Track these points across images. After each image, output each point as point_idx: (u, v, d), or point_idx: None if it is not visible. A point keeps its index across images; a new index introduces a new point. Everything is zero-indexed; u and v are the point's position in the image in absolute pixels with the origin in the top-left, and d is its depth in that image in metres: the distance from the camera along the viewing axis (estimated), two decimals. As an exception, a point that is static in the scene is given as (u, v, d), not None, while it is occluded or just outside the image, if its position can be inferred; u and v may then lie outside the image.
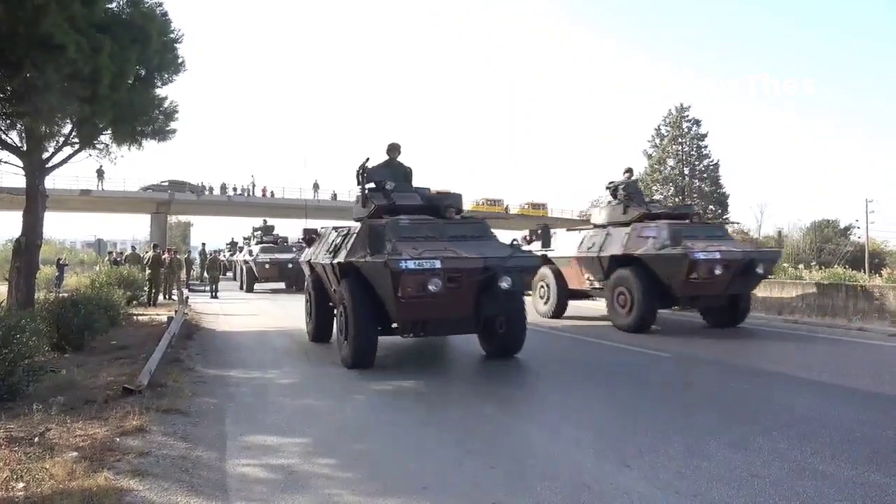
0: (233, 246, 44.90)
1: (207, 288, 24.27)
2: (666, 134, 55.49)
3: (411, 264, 7.32)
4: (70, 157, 12.39)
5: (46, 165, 12.04)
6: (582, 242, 13.47)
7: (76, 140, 12.20)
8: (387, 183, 9.59)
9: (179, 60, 12.92)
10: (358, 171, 9.56)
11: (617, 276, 12.04)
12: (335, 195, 56.13)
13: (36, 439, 4.68)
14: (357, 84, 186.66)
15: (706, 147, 55.20)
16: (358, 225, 9.43)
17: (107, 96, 10.42)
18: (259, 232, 29.45)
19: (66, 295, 11.87)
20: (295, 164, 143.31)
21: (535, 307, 14.40)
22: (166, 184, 50.83)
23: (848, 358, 8.97)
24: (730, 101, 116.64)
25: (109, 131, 12.32)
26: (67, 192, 45.26)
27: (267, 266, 24.30)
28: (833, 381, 7.19)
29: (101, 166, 42.56)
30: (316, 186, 55.18)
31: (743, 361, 8.67)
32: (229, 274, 40.06)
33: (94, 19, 10.11)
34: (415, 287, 7.41)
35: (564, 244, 14.07)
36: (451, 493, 3.94)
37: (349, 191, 53.54)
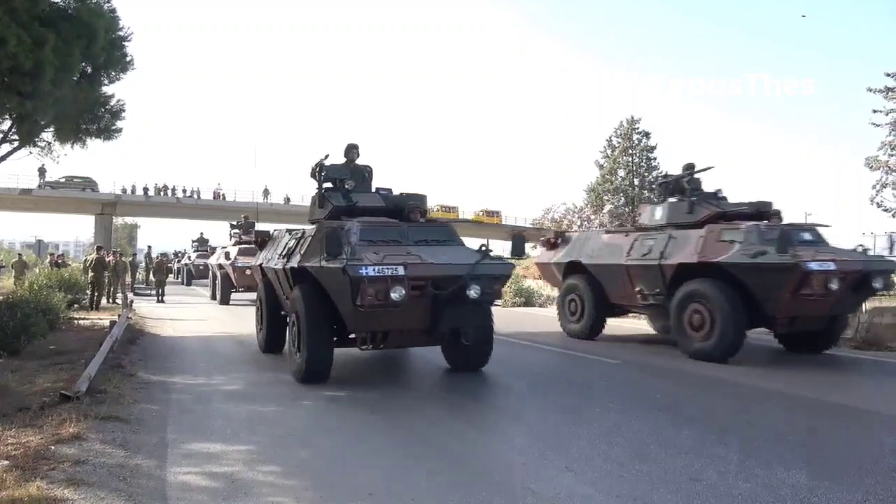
0: (202, 244, 34.38)
1: (153, 292, 23.65)
2: (617, 145, 56.63)
3: (371, 270, 6.59)
4: (9, 154, 11.98)
5: (-17, 163, 11.63)
6: (632, 247, 10.91)
7: (16, 137, 11.79)
8: (346, 182, 8.74)
9: (128, 58, 12.66)
10: (314, 169, 8.76)
11: (688, 289, 9.65)
12: (288, 199, 55.44)
13: (-36, 448, 4.48)
14: (312, 86, 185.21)
15: (655, 159, 56.56)
16: (313, 227, 8.38)
17: (49, 92, 10.11)
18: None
19: (0, 297, 11.42)
20: (246, 161, 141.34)
21: (563, 325, 12.48)
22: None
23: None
24: (679, 116, 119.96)
25: (52, 128, 11.96)
26: (6, 190, 43.75)
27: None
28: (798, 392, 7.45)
29: (42, 165, 40.91)
30: (266, 192, 54.21)
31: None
32: (195, 283, 32.55)
33: (38, 13, 9.81)
34: (375, 295, 6.62)
35: (602, 250, 11.65)
36: (397, 500, 3.93)
37: (302, 196, 53.12)
